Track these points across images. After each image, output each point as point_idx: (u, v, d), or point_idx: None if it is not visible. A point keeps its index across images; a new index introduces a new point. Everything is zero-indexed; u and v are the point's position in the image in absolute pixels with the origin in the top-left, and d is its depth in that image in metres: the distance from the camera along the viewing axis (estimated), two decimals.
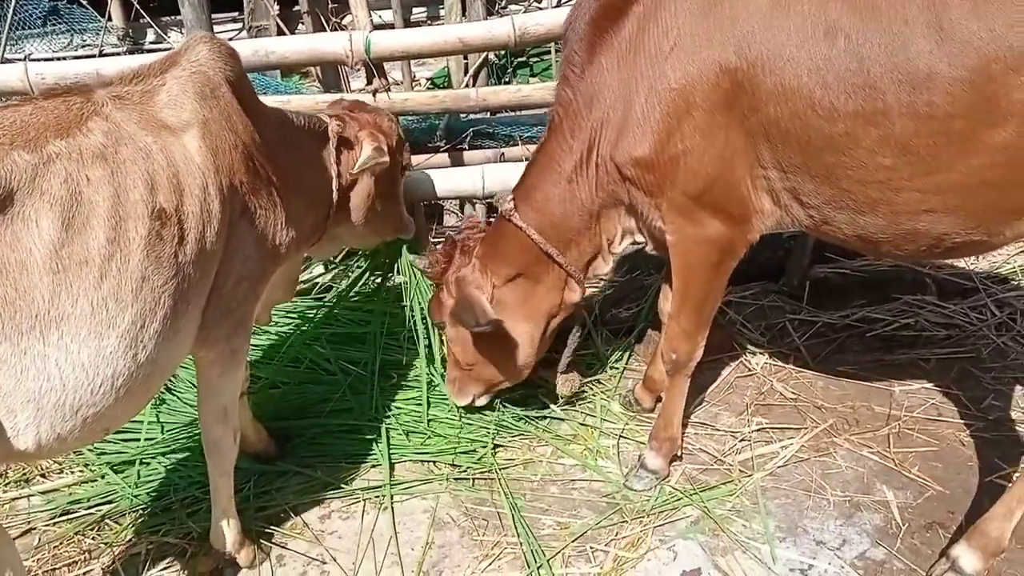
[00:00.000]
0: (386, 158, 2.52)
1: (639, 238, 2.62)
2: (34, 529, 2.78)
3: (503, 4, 4.09)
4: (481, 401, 2.97)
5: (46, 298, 1.58)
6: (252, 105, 2.12)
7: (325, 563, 2.57)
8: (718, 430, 3.05)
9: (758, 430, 3.03)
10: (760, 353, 3.45)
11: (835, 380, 3.28)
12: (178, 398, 3.14)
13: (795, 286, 3.80)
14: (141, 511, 2.76)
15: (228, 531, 2.47)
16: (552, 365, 3.02)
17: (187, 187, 1.82)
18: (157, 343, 1.77)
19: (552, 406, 3.13)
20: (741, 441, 2.98)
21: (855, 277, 3.85)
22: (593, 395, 3.23)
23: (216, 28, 4.05)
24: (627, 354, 3.43)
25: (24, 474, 3.00)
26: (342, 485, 2.83)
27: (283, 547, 2.62)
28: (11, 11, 4.21)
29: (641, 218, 2.46)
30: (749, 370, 3.37)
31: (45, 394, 1.62)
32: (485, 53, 4.04)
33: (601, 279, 3.58)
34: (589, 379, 3.27)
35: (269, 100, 2.91)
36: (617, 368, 3.37)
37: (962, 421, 3.02)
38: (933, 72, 1.83)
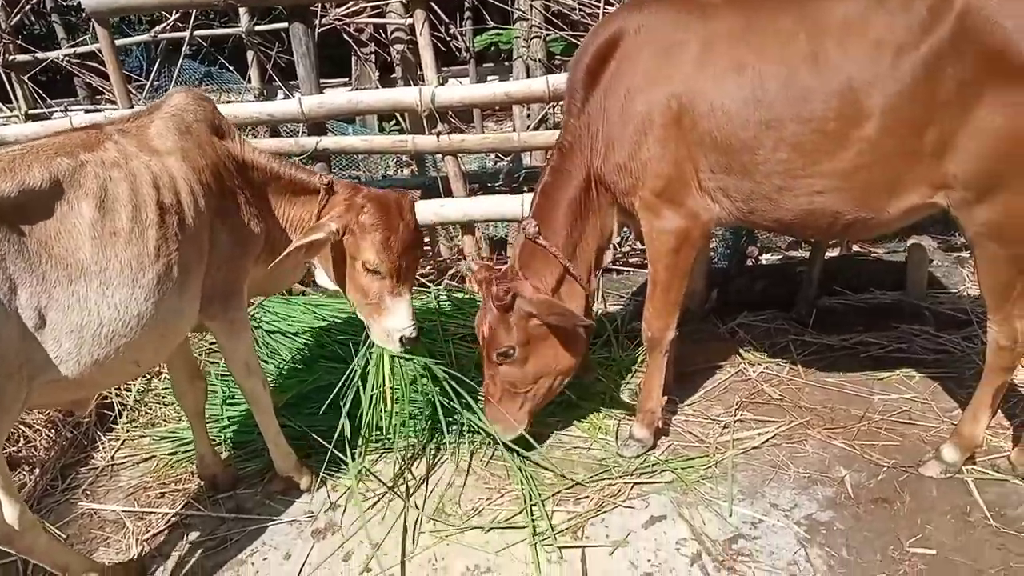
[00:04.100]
0: (319, 236, 2.77)
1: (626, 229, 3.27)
2: (154, 457, 3.61)
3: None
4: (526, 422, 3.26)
5: (88, 256, 2.18)
6: (225, 136, 2.77)
7: (365, 495, 3.22)
8: (707, 418, 3.54)
9: (740, 420, 3.50)
10: (758, 364, 3.92)
11: (820, 388, 3.71)
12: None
13: (803, 314, 4.25)
14: (232, 451, 3.54)
15: (282, 459, 3.18)
16: None
17: (180, 190, 2.47)
18: (171, 296, 2.40)
19: (568, 392, 3.72)
20: (724, 428, 3.46)
21: (858, 308, 4.26)
22: (606, 387, 3.79)
23: (328, 90, 5.00)
24: (640, 358, 3.97)
25: (151, 419, 3.87)
26: (384, 438, 3.50)
27: (337, 480, 3.31)
28: (176, 73, 5.42)
29: (627, 214, 3.10)
30: (745, 377, 3.85)
31: (86, 326, 2.17)
32: (544, 111, 4.82)
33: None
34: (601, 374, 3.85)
35: (356, 139, 3.76)
36: (630, 370, 3.93)
37: (930, 424, 3.38)
38: (811, 88, 2.50)
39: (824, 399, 3.62)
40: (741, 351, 4.02)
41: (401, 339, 2.99)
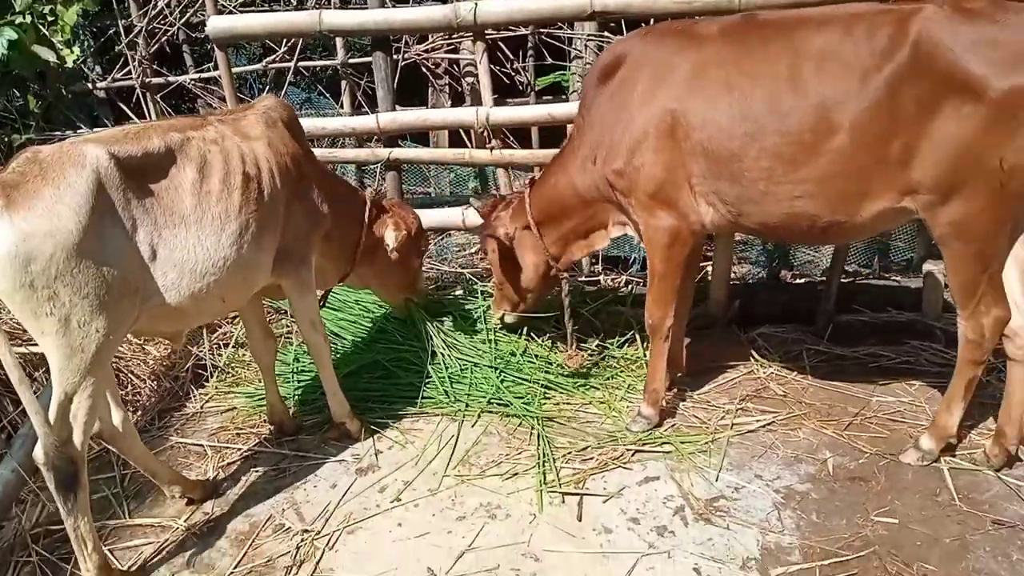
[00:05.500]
0: (403, 233, 3.88)
1: (630, 232, 3.71)
2: (235, 408, 4.25)
3: None
4: (509, 319, 4.30)
5: (188, 208, 2.78)
6: (299, 137, 3.48)
7: (405, 446, 3.76)
8: (712, 406, 3.92)
9: (743, 409, 3.86)
10: (769, 366, 4.27)
11: (824, 388, 4.03)
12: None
13: (820, 327, 4.57)
14: (299, 407, 4.15)
15: (338, 407, 3.75)
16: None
17: (261, 167, 3.08)
18: (250, 247, 2.99)
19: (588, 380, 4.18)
20: (726, 414, 3.83)
21: (874, 324, 4.55)
22: (626, 377, 4.23)
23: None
24: None
25: (236, 379, 4.53)
26: (428, 406, 4.05)
27: (382, 433, 3.85)
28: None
29: (627, 214, 3.57)
30: (755, 376, 4.20)
31: (186, 261, 2.77)
32: None
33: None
34: (601, 359, 4.29)
35: (423, 150, 4.39)
36: None
37: (919, 423, 3.66)
38: (790, 107, 2.93)
39: (825, 397, 3.94)
40: (755, 354, 4.38)
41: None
